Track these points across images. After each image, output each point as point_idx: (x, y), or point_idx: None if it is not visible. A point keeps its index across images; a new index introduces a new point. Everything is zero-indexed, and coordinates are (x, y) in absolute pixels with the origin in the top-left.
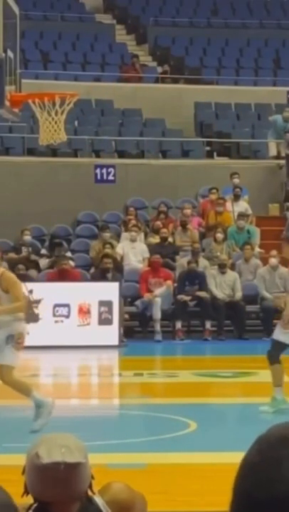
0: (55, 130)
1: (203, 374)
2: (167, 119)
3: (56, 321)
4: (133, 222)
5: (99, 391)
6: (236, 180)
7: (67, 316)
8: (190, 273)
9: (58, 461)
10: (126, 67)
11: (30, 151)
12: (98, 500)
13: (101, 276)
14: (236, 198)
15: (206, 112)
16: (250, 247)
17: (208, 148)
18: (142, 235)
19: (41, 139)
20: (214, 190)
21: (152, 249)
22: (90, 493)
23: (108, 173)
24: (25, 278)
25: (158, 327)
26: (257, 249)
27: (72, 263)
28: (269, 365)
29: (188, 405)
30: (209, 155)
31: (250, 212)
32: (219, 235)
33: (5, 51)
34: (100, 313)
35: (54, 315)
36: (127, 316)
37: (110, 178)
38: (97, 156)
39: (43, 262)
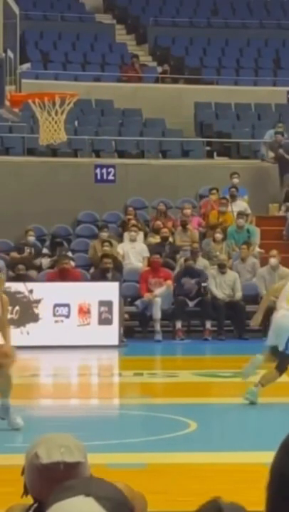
0: (55, 130)
1: (203, 374)
2: (167, 119)
3: (56, 321)
4: (133, 222)
5: (99, 391)
6: (236, 180)
7: (67, 316)
8: (187, 270)
9: (58, 460)
10: (126, 67)
11: (30, 151)
12: None
13: (101, 276)
14: (232, 197)
15: (206, 112)
16: (247, 246)
17: (208, 148)
18: (142, 234)
19: (41, 138)
20: (214, 191)
21: (152, 249)
22: None
23: (108, 173)
24: (25, 278)
25: (158, 327)
26: (257, 249)
27: (72, 263)
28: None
29: (188, 405)
30: (209, 155)
31: (249, 212)
32: (218, 235)
33: (5, 51)
34: (100, 313)
35: (54, 315)
36: (127, 316)
37: (110, 178)
38: (97, 156)
39: (45, 262)
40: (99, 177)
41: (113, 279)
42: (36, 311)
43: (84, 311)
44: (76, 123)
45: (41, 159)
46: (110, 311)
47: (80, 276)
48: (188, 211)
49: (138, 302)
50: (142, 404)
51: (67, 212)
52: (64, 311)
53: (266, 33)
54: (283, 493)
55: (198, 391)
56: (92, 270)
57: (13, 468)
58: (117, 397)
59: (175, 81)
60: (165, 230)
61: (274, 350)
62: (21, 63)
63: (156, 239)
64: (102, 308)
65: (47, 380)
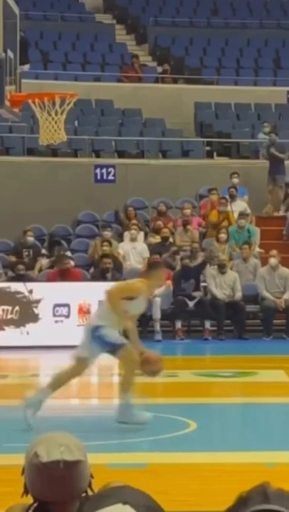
0: (55, 130)
1: (203, 374)
2: (167, 119)
3: (56, 321)
4: (133, 221)
5: (99, 391)
6: (236, 180)
7: (67, 316)
8: (184, 270)
9: (57, 459)
10: (126, 67)
11: (30, 151)
12: None
13: (101, 276)
14: (232, 197)
15: (206, 112)
16: (248, 246)
17: (208, 148)
18: (142, 234)
19: (41, 138)
20: (214, 191)
21: (152, 249)
22: (89, 492)
23: (108, 173)
24: (25, 278)
25: (158, 327)
26: (257, 249)
27: (72, 263)
28: None
29: (188, 405)
30: (209, 155)
31: (249, 211)
32: (223, 235)
33: (5, 51)
34: None
35: (54, 315)
36: None
37: (110, 178)
38: (97, 156)
39: (44, 262)
40: (99, 177)
41: (113, 279)
42: (36, 311)
43: (84, 311)
44: (76, 123)
45: (41, 159)
46: None
47: (80, 276)
48: (188, 211)
49: None
50: (142, 404)
51: (67, 212)
52: (64, 311)
53: (266, 33)
54: None
55: (198, 391)
56: (92, 270)
57: (13, 468)
58: (117, 397)
59: (175, 81)
60: (165, 230)
61: None
62: (21, 64)
63: (156, 239)
64: None
65: (47, 380)
